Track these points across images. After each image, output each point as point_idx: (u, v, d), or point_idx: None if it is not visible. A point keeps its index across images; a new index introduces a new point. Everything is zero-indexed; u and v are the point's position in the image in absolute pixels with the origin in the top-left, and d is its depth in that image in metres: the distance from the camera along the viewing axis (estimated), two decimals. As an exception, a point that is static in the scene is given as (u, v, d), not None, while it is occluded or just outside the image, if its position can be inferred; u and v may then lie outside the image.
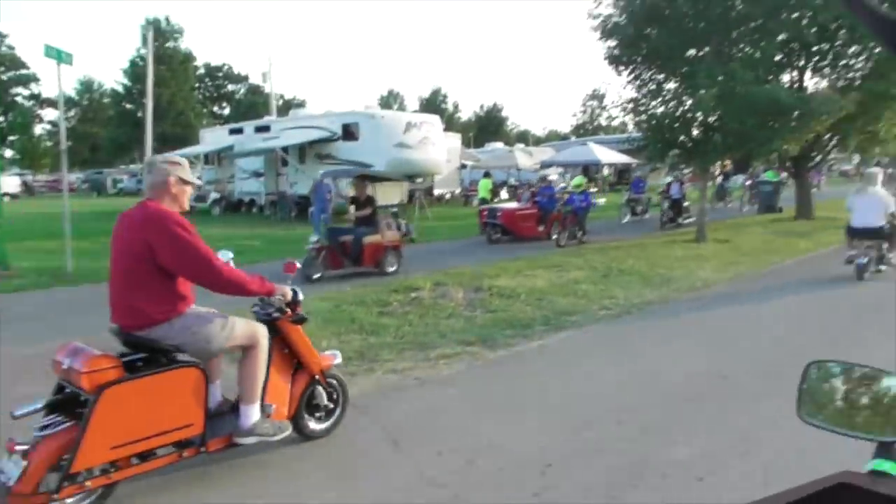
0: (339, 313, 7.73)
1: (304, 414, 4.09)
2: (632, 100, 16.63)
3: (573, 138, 61.13)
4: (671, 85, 16.03)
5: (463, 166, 31.61)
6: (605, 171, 34.54)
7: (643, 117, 15.91)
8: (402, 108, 68.06)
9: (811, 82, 17.03)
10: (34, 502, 2.93)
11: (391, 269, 10.86)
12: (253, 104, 61.71)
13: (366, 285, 9.55)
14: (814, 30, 15.02)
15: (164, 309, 3.35)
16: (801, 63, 16.75)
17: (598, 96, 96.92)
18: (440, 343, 6.53)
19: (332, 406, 4.25)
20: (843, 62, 16.01)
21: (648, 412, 4.71)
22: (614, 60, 16.69)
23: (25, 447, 2.99)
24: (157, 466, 3.42)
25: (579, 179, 18.01)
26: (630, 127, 20.38)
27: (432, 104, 76.55)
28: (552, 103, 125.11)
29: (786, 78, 16.72)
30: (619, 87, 17.42)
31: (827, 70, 16.53)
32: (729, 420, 4.54)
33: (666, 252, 12.44)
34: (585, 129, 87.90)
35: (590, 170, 38.22)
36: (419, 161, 22.74)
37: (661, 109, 15.46)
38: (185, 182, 3.60)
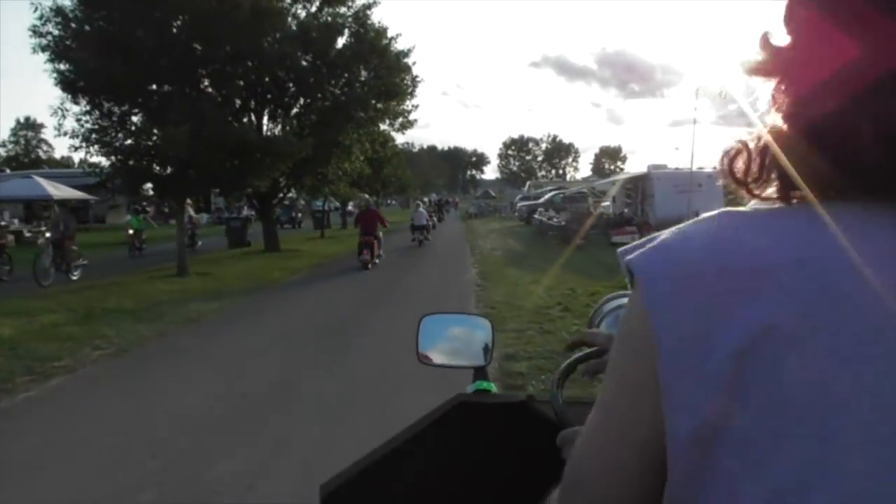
0: None
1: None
2: (94, 130, 15.54)
3: (7, 171, 52.85)
4: (138, 118, 15.62)
5: None
6: (57, 209, 30.95)
7: (109, 149, 15.02)
8: None
9: (267, 127, 18.97)
10: (370, 262, 15.08)
11: None
12: None
13: None
14: (267, 79, 16.83)
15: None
16: (259, 108, 18.50)
17: (33, 125, 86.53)
18: None
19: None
20: (296, 111, 18.34)
21: (182, 439, 4.61)
22: (69, 87, 15.34)
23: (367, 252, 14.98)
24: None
25: None
26: (76, 161, 18.74)
27: None
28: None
29: (245, 121, 18.20)
30: (75, 116, 15.92)
31: (281, 117, 18.67)
32: (258, 431, 4.80)
33: (150, 288, 12.03)
34: (20, 162, 77.12)
35: (33, 207, 33.59)
36: None
37: (129, 142, 14.89)
38: None
